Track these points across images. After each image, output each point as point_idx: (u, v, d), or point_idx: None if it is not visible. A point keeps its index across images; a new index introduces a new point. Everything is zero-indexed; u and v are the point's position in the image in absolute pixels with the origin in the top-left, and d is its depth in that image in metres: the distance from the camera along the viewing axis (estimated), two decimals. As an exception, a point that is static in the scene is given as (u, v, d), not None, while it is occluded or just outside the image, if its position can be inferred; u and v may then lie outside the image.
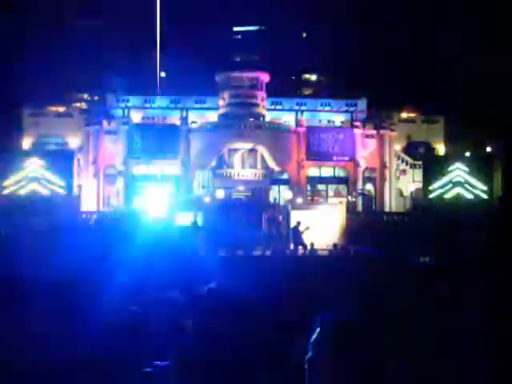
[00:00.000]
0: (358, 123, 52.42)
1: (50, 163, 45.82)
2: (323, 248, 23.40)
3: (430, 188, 50.05)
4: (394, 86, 57.49)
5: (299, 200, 41.37)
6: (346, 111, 54.29)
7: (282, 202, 44.47)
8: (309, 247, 22.03)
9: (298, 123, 52.16)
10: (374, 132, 52.02)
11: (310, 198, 50.28)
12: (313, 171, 52.00)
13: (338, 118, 54.59)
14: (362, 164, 51.71)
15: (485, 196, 47.07)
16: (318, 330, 5.72)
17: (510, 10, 56.35)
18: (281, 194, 49.39)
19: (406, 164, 54.12)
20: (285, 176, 51.73)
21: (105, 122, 51.06)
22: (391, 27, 65.32)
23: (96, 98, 59.96)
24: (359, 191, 50.59)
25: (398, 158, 53.85)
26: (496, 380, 6.89)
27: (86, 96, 63.24)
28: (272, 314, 8.35)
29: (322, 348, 5.63)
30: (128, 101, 53.27)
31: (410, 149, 57.02)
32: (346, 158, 51.49)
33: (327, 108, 54.62)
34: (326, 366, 5.57)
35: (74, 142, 54.83)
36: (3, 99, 53.85)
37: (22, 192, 43.04)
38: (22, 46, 60.77)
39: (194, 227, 26.96)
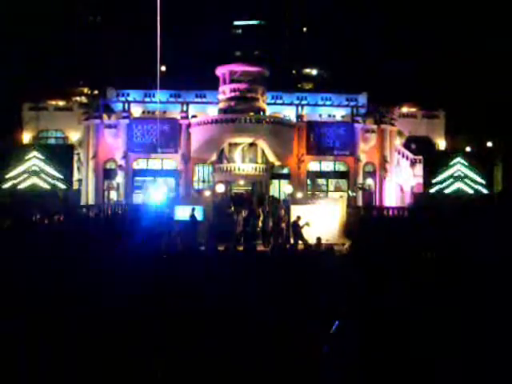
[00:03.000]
0: (358, 118, 52.37)
1: (50, 157, 45.75)
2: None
3: (431, 183, 50.01)
4: (395, 81, 57.40)
5: (299, 194, 41.28)
6: (347, 106, 54.17)
7: (282, 197, 44.50)
8: (313, 242, 21.53)
9: (298, 118, 52.13)
10: (375, 127, 51.99)
11: (310, 192, 50.29)
12: (313, 166, 52.02)
13: (339, 113, 54.50)
14: (363, 158, 51.74)
15: (485, 191, 47.03)
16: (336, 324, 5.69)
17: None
18: (281, 189, 49.42)
19: (407, 159, 54.12)
20: (285, 170, 51.75)
21: (105, 116, 51.00)
22: (392, 21, 65.22)
23: (96, 91, 59.87)
24: (359, 186, 50.61)
25: (399, 153, 53.86)
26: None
27: (85, 90, 63.18)
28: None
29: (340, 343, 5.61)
30: (128, 95, 53.18)
31: (411, 144, 57.01)
32: (347, 153, 51.50)
33: (328, 102, 54.51)
34: (341, 361, 5.54)
35: (73, 136, 54.81)
36: (3, 93, 53.75)
37: (22, 186, 42.99)
38: (22, 41, 60.64)
39: (192, 221, 26.91)
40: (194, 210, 27.30)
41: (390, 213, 38.13)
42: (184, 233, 24.82)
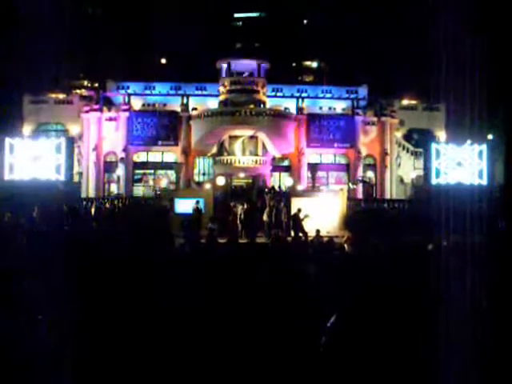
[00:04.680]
0: (358, 110, 52.30)
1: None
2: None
3: (431, 175, 49.88)
4: (396, 73, 57.29)
5: (300, 187, 41.30)
6: (347, 98, 54.11)
7: (282, 189, 44.46)
8: (313, 234, 21.50)
9: (298, 110, 52.04)
10: (375, 119, 51.93)
11: (310, 184, 50.30)
12: (313, 158, 51.98)
13: (339, 105, 54.43)
14: (363, 151, 51.69)
15: (486, 183, 46.91)
16: (334, 316, 5.68)
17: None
18: (281, 181, 49.40)
19: (407, 151, 54.07)
20: (285, 163, 51.73)
21: (105, 109, 50.95)
22: (392, 13, 65.00)
23: (96, 84, 59.78)
24: (360, 178, 50.59)
25: (399, 145, 53.81)
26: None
27: (86, 83, 63.06)
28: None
29: (339, 333, 5.59)
30: (128, 87, 53.10)
31: (411, 136, 56.91)
32: (347, 145, 51.46)
33: (328, 95, 54.43)
34: (342, 351, 5.53)
35: (74, 128, 54.73)
36: (3, 86, 53.64)
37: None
38: (22, 33, 60.47)
39: (197, 214, 26.74)
40: (198, 202, 26.94)
41: (391, 205, 38.16)
42: (188, 227, 24.54)
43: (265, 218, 27.62)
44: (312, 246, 16.76)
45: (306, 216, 25.38)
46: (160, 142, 50.40)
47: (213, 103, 52.08)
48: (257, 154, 49.02)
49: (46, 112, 55.20)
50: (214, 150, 49.39)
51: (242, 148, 48.99)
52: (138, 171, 51.61)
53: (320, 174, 52.10)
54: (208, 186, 40.94)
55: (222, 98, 50.82)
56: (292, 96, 53.58)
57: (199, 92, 53.61)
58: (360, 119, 51.69)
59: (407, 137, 56.53)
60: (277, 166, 51.34)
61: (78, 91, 58.86)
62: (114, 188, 50.95)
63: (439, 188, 45.06)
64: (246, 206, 27.98)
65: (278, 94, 53.84)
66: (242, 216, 27.48)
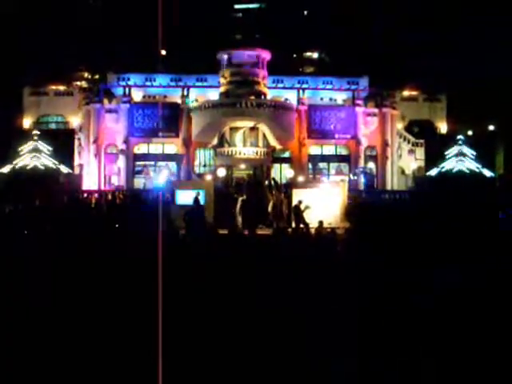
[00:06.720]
0: (359, 101, 52.19)
1: (51, 142, 45.71)
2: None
3: (432, 166, 49.97)
4: (396, 64, 57.08)
5: (300, 178, 41.25)
6: (348, 89, 53.90)
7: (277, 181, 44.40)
8: (314, 225, 21.40)
9: (299, 101, 51.94)
10: (376, 110, 51.84)
11: (311, 176, 50.28)
12: (314, 149, 51.95)
13: (340, 96, 54.25)
14: (364, 142, 51.65)
15: (487, 173, 46.97)
16: None
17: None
18: (282, 173, 49.37)
19: (408, 142, 54.00)
20: (286, 154, 51.67)
21: (105, 101, 50.87)
22: (393, 4, 64.77)
23: (96, 76, 59.62)
24: (361, 169, 50.55)
25: (400, 137, 53.73)
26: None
27: (86, 74, 62.86)
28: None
29: None
30: (129, 79, 52.94)
31: (412, 127, 56.85)
32: (348, 136, 51.42)
33: (329, 86, 54.23)
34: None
35: (74, 120, 54.70)
36: (3, 78, 53.56)
37: (23, 170, 42.90)
38: (22, 25, 60.34)
39: (196, 206, 26.63)
40: (198, 194, 26.66)
41: (392, 196, 38.17)
42: (190, 220, 24.32)
43: (270, 209, 27.58)
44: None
45: (306, 207, 25.36)
46: (161, 134, 50.40)
47: (213, 94, 51.94)
48: (257, 146, 48.92)
49: (46, 104, 55.22)
50: (215, 141, 49.29)
51: (243, 139, 48.86)
52: (138, 163, 51.63)
53: (321, 165, 52.10)
54: (209, 177, 40.92)
55: (222, 89, 50.64)
56: (293, 87, 53.42)
57: (200, 83, 53.44)
58: (361, 110, 51.61)
59: (408, 128, 56.47)
60: (277, 158, 51.28)
61: (78, 83, 58.74)
62: (114, 180, 50.96)
63: (439, 179, 45.18)
64: (244, 197, 27.88)
65: (279, 85, 53.62)
66: (239, 207, 27.35)
